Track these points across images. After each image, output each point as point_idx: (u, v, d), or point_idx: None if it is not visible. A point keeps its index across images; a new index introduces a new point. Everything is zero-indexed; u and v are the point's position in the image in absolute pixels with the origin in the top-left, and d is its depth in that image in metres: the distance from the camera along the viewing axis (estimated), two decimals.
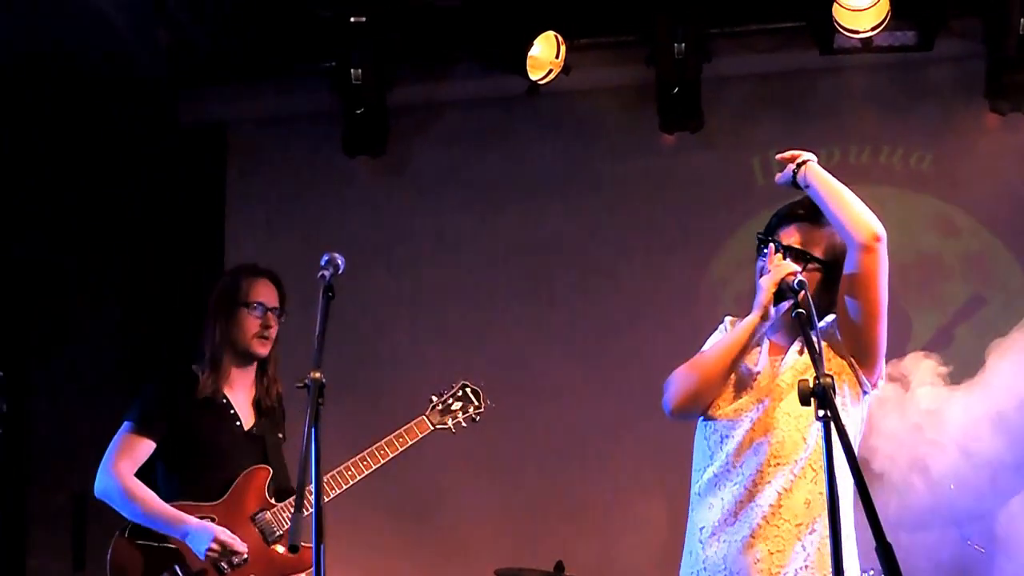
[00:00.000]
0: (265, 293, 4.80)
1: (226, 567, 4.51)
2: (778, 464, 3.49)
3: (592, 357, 7.15)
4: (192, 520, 4.53)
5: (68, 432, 7.07)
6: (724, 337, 3.58)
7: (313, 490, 3.37)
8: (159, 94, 7.35)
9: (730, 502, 3.54)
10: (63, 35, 6.55)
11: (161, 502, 4.60)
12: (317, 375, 3.47)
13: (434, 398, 4.96)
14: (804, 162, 3.68)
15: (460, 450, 7.10)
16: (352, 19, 6.78)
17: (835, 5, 6.51)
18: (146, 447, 4.70)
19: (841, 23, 6.57)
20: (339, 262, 3.76)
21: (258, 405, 4.84)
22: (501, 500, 7.12)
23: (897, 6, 6.52)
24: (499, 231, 7.41)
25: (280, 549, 4.63)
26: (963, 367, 5.77)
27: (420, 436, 4.86)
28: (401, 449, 4.82)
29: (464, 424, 4.99)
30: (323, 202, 7.51)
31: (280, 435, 4.89)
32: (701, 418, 3.65)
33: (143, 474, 4.73)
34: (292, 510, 4.42)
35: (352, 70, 7.00)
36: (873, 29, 6.57)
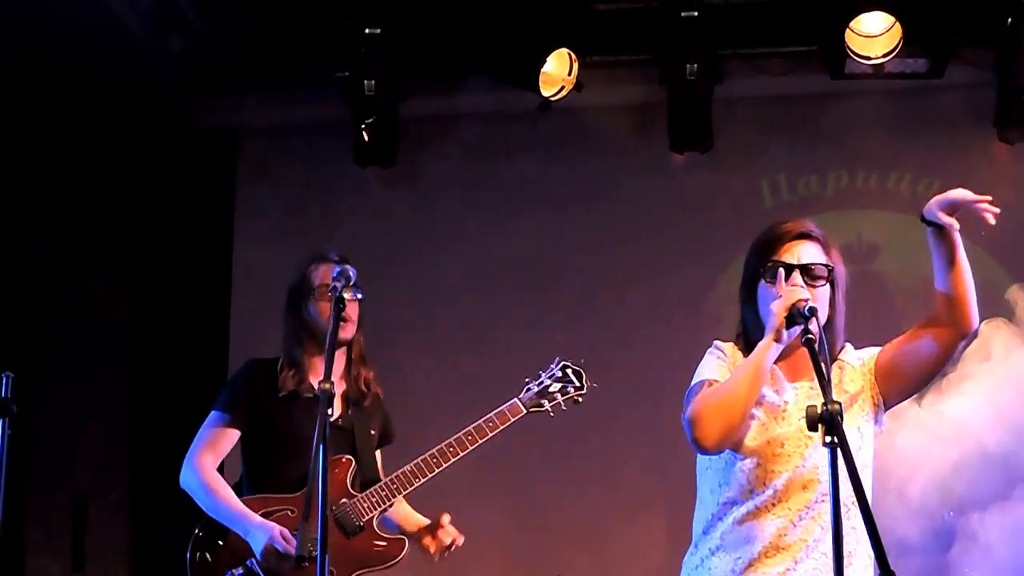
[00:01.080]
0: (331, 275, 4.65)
1: (285, 566, 4.46)
2: (823, 501, 3.49)
3: (596, 374, 7.15)
4: (255, 519, 4.52)
5: (69, 432, 7.09)
6: (743, 365, 3.54)
7: (320, 501, 3.37)
8: (171, 99, 7.37)
9: (773, 535, 3.51)
10: (77, 38, 6.56)
11: (234, 498, 4.60)
12: (327, 385, 3.51)
13: (529, 380, 4.81)
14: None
15: (458, 465, 7.13)
16: (367, 30, 6.80)
17: (847, 31, 6.55)
18: (230, 438, 4.70)
19: (853, 49, 6.61)
20: (351, 274, 3.80)
21: (347, 396, 4.77)
22: (500, 516, 7.12)
23: (909, 33, 6.56)
24: (507, 245, 7.42)
25: (361, 541, 4.62)
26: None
27: (512, 420, 4.72)
28: (491, 435, 4.72)
29: (564, 407, 4.83)
30: (332, 211, 7.54)
31: (373, 431, 4.80)
32: (730, 449, 3.59)
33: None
34: (375, 499, 4.49)
35: (365, 80, 7.02)
36: (885, 56, 6.61)
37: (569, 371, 4.83)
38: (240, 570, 4.52)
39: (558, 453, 7.15)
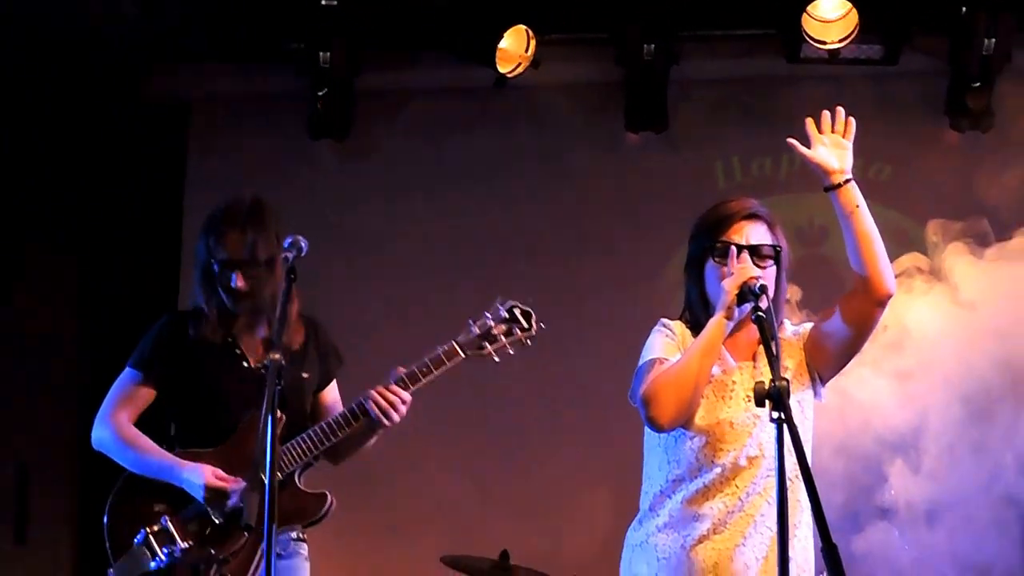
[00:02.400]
0: (233, 247, 4.38)
1: (219, 513, 4.29)
2: (769, 476, 3.51)
3: (544, 349, 7.15)
4: (184, 463, 4.30)
5: (11, 403, 6.98)
6: (696, 342, 3.56)
7: (267, 472, 3.35)
8: (122, 68, 7.29)
9: (722, 512, 3.55)
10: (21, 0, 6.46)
11: (157, 448, 4.39)
12: (276, 356, 3.47)
13: (472, 320, 4.37)
14: (851, 179, 3.67)
15: (405, 436, 7.13)
16: (323, 2, 6.76)
17: (804, 15, 6.59)
18: (145, 394, 4.48)
19: (809, 33, 6.65)
20: (302, 244, 3.77)
21: (270, 341, 4.37)
22: (447, 488, 7.14)
23: (865, 20, 6.60)
24: (459, 218, 7.42)
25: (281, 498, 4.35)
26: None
27: (449, 365, 4.29)
28: (424, 381, 4.28)
29: (511, 350, 4.37)
30: (285, 184, 7.48)
31: (305, 375, 4.47)
32: (680, 426, 3.61)
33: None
34: (296, 452, 4.34)
35: (320, 53, 6.99)
36: (841, 41, 6.66)
37: (517, 311, 4.40)
38: (156, 527, 4.37)
39: (505, 425, 7.18)
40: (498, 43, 6.85)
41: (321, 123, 7.29)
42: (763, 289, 3.40)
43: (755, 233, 3.64)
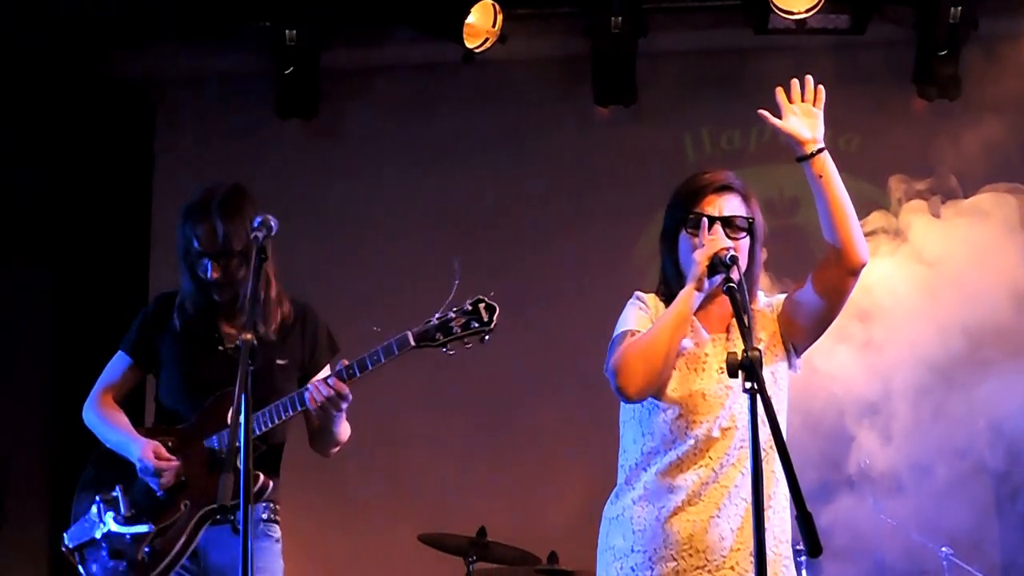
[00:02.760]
0: (205, 239, 4.35)
1: (158, 487, 4.33)
2: (743, 447, 3.52)
3: (518, 325, 7.15)
4: (136, 440, 4.37)
5: None
6: (666, 313, 3.56)
7: (242, 453, 3.34)
8: (86, 47, 7.23)
9: (696, 483, 3.53)
10: None
11: (123, 423, 4.47)
12: (248, 337, 3.45)
13: (434, 314, 4.26)
14: (823, 149, 3.62)
15: (380, 414, 7.14)
16: None
17: None
18: (131, 373, 4.56)
19: (776, 4, 6.66)
20: (272, 224, 3.75)
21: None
22: (423, 468, 7.15)
23: None
24: (429, 196, 7.41)
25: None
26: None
27: (398, 354, 4.19)
28: (372, 368, 4.19)
29: (467, 343, 4.26)
30: (253, 163, 7.45)
31: (280, 361, 4.41)
32: (653, 398, 3.61)
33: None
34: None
35: (286, 30, 6.96)
36: (808, 11, 6.66)
37: (481, 306, 4.28)
38: (109, 496, 4.42)
39: (480, 403, 7.18)
40: (465, 18, 6.82)
41: (288, 102, 7.27)
42: (734, 260, 3.39)
43: (728, 205, 3.63)
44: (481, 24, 6.91)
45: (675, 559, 3.52)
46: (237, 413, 3.39)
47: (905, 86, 7.02)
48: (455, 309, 4.24)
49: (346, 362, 4.22)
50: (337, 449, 4.56)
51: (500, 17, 6.90)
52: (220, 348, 4.45)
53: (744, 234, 3.62)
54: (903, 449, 5.63)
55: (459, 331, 4.23)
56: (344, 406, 4.23)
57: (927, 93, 6.98)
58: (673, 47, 7.29)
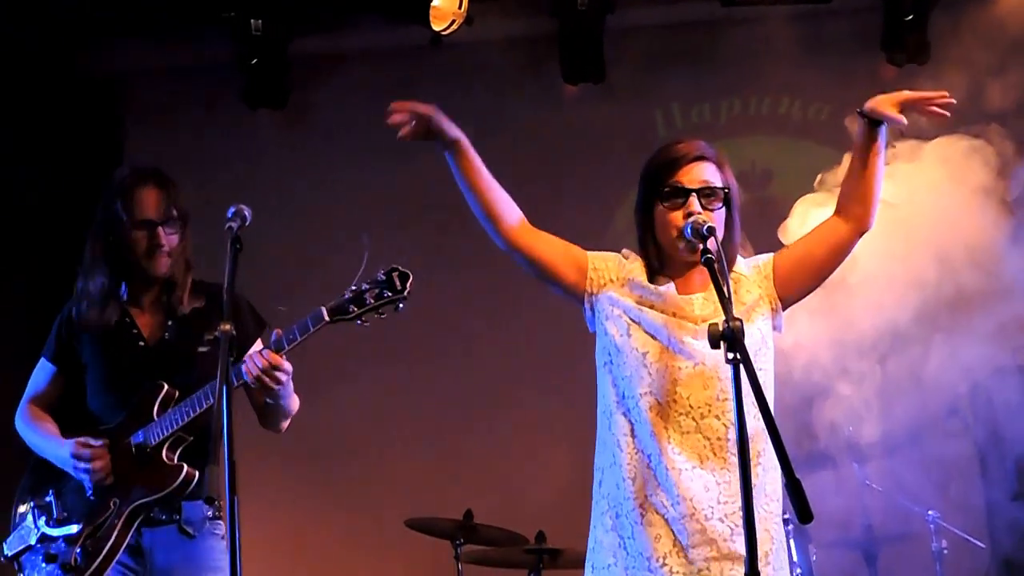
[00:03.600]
0: (151, 206, 4.32)
1: (90, 488, 4.30)
2: (726, 399, 3.49)
3: (496, 307, 7.17)
4: (61, 443, 4.34)
5: None
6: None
7: (225, 443, 3.32)
8: (54, 45, 7.18)
9: (677, 432, 3.50)
10: None
11: (52, 432, 4.42)
12: (227, 327, 3.43)
13: (351, 287, 4.23)
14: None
15: (364, 400, 7.13)
16: None
17: None
18: (54, 381, 4.51)
19: None
20: (246, 214, 3.71)
21: (170, 315, 4.41)
22: (408, 450, 7.15)
23: None
24: (400, 181, 7.38)
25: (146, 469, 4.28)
26: None
27: (314, 329, 4.13)
28: (288, 348, 4.11)
29: (380, 313, 4.20)
30: (224, 155, 7.43)
31: (202, 348, 4.36)
32: (635, 349, 3.59)
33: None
34: (164, 425, 4.24)
35: (251, 20, 6.92)
36: None
37: (395, 275, 4.26)
38: (42, 501, 4.40)
39: (463, 387, 7.18)
40: (431, 1, 6.80)
41: (257, 92, 7.24)
42: (711, 231, 3.37)
43: (703, 175, 3.61)
44: (447, 6, 6.87)
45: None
46: (220, 408, 3.36)
47: (874, 53, 7.02)
48: (368, 281, 4.23)
49: (280, 332, 4.17)
50: (287, 423, 4.47)
51: None
52: (140, 344, 4.41)
53: (720, 204, 3.61)
54: (887, 415, 5.64)
55: (372, 301, 4.20)
56: (284, 378, 4.14)
57: (896, 59, 6.98)
58: (640, 22, 7.27)
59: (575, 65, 7.10)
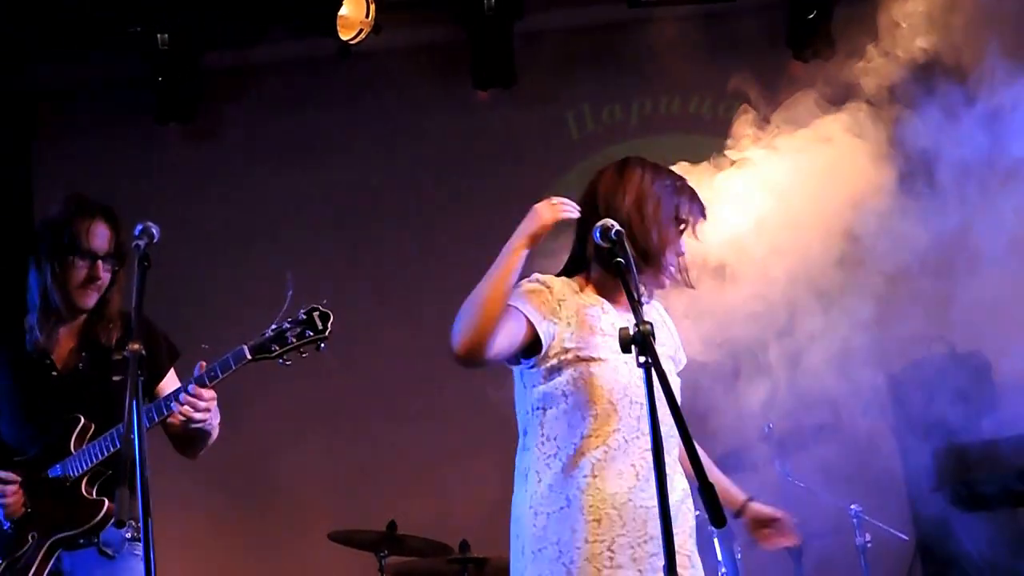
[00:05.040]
0: (98, 238, 4.33)
1: (4, 521, 4.27)
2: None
3: (413, 313, 7.14)
4: None
5: None
6: (493, 267, 3.55)
7: (137, 464, 3.27)
8: None
9: (642, 464, 3.45)
10: None
11: None
12: (136, 347, 3.38)
13: (270, 326, 4.21)
14: None
15: (283, 413, 7.07)
16: None
17: None
18: None
19: None
20: (153, 231, 3.65)
21: (78, 350, 4.40)
22: (329, 463, 7.11)
23: None
24: (311, 193, 7.37)
25: (65, 503, 4.26)
26: None
27: (235, 367, 4.11)
28: (211, 384, 4.11)
29: (302, 352, 4.18)
30: (135, 170, 7.35)
31: (116, 378, 4.31)
32: (576, 377, 3.53)
33: None
34: (84, 459, 4.21)
35: (159, 35, 6.85)
36: None
37: (315, 315, 4.21)
38: None
39: (383, 396, 7.15)
40: (338, 11, 6.76)
41: (166, 106, 7.17)
42: (620, 235, 3.35)
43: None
44: (354, 15, 6.83)
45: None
46: (129, 428, 3.31)
47: (781, 49, 7.08)
48: (290, 320, 4.18)
49: (204, 364, 4.14)
50: (204, 451, 4.45)
51: (373, 7, 6.82)
52: (54, 374, 4.37)
53: None
54: (801, 408, 5.65)
55: (294, 341, 4.16)
56: (209, 408, 4.14)
57: (802, 55, 7.04)
58: (548, 26, 7.29)
59: (485, 71, 7.09)
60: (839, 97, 4.89)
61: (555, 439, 3.52)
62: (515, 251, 3.51)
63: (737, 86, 6.88)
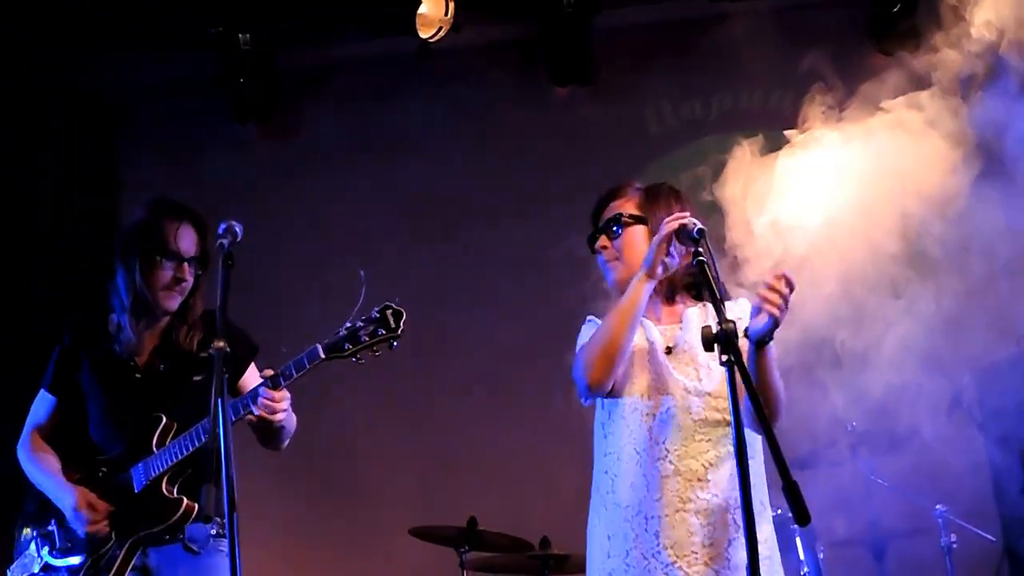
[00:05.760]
0: (185, 240, 4.39)
1: (81, 534, 4.35)
2: (703, 439, 3.50)
3: (499, 310, 7.15)
4: (64, 486, 4.38)
5: None
6: (618, 303, 3.56)
7: (223, 460, 3.30)
8: (43, 62, 7.16)
9: (655, 478, 3.51)
10: None
11: (56, 471, 4.45)
12: (221, 344, 3.42)
13: (345, 323, 4.24)
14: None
15: (367, 410, 7.11)
16: None
17: None
18: (56, 410, 4.54)
19: None
20: (237, 230, 3.70)
21: (159, 350, 4.46)
22: (410, 459, 7.12)
23: None
24: (392, 191, 7.38)
25: (144, 502, 4.34)
26: None
27: (310, 367, 4.16)
28: (284, 384, 4.16)
29: (376, 351, 4.21)
30: (215, 170, 7.43)
31: (197, 377, 4.41)
32: (614, 399, 3.61)
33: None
34: (163, 459, 4.28)
35: (239, 35, 6.91)
36: None
37: (388, 313, 4.22)
38: (44, 530, 4.42)
39: (466, 392, 7.16)
40: (417, 9, 6.78)
41: (244, 106, 7.23)
42: (702, 233, 3.34)
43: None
44: (433, 14, 6.85)
45: None
46: (215, 421, 3.35)
47: (863, 42, 7.00)
48: (363, 318, 4.20)
49: (269, 372, 4.17)
50: (288, 442, 4.52)
51: (452, 5, 6.84)
52: (137, 376, 4.44)
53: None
54: (888, 408, 5.59)
55: (367, 339, 4.19)
56: (284, 409, 4.19)
57: (885, 48, 6.96)
58: (626, 22, 7.26)
59: (563, 67, 7.09)
60: (922, 89, 4.81)
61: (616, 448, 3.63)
62: (635, 287, 3.56)
63: (817, 77, 6.88)
